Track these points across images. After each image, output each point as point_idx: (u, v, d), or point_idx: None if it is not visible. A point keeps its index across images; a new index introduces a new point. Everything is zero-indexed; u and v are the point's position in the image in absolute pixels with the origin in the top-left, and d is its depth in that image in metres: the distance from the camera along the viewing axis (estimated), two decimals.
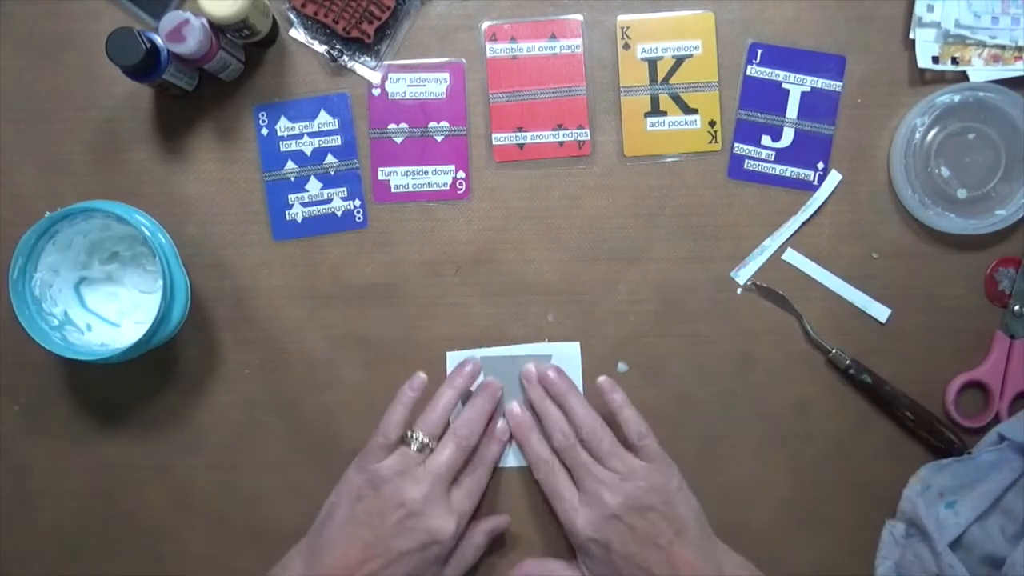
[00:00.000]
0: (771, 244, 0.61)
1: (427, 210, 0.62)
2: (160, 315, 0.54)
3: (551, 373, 0.59)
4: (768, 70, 0.60)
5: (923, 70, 0.60)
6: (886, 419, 0.61)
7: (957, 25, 0.59)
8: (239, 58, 0.60)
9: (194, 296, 0.59)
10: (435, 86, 0.61)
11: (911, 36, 0.59)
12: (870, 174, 0.61)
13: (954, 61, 0.59)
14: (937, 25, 0.59)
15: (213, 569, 0.61)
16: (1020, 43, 0.59)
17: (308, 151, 0.61)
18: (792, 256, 0.61)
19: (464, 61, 0.61)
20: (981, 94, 0.59)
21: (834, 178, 0.60)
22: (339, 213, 0.61)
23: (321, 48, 0.60)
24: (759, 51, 0.60)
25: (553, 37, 0.60)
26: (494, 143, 0.61)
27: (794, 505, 0.61)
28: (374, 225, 0.61)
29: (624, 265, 0.61)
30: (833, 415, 0.61)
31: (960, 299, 0.61)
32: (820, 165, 0.61)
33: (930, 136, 0.59)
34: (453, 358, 0.61)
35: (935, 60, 0.59)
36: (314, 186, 0.61)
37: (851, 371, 0.60)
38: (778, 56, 0.60)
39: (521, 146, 0.61)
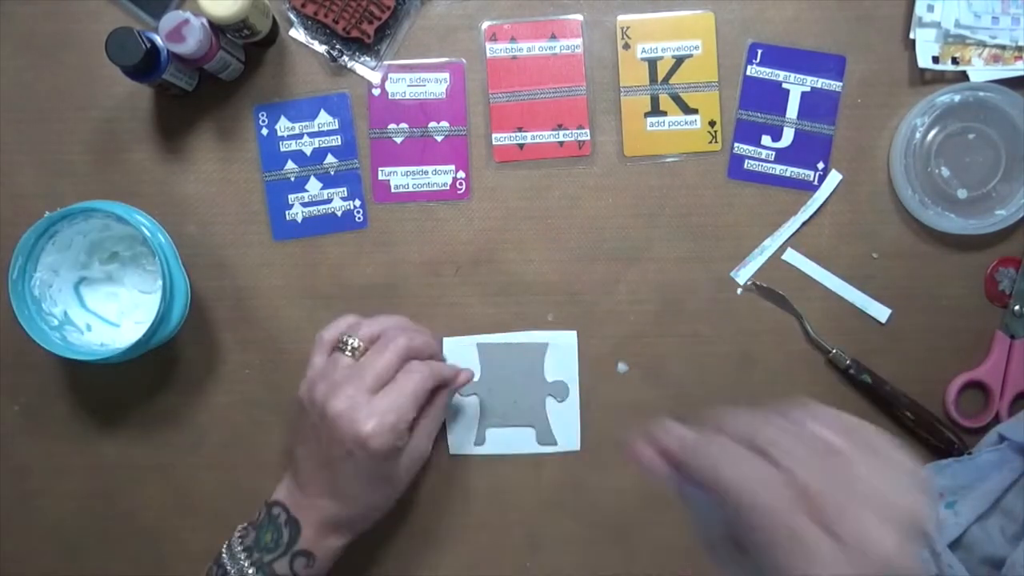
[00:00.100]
0: (771, 244, 0.61)
1: (427, 210, 0.62)
2: (160, 315, 0.54)
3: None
4: (768, 70, 0.60)
5: (923, 70, 0.60)
6: (886, 419, 0.61)
7: (957, 25, 0.59)
8: (239, 58, 0.60)
9: (194, 296, 0.59)
10: (435, 86, 0.61)
11: (911, 36, 0.59)
12: (870, 174, 0.61)
13: (954, 61, 0.59)
14: (937, 25, 0.59)
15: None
16: (1020, 43, 0.59)
17: (308, 151, 0.61)
18: (792, 256, 0.61)
19: (464, 61, 0.61)
20: (981, 94, 0.58)
21: (834, 178, 0.60)
22: (339, 213, 0.61)
23: (321, 48, 0.60)
24: (759, 51, 0.60)
25: (553, 37, 0.60)
26: (494, 143, 0.61)
27: None
28: (374, 225, 0.61)
29: (624, 265, 0.61)
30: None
31: (960, 299, 0.61)
32: (820, 165, 0.61)
33: (930, 136, 0.59)
34: (450, 343, 0.61)
35: (935, 60, 0.59)
36: (314, 186, 0.61)
37: (851, 371, 0.60)
38: (778, 56, 0.60)
39: (521, 146, 0.61)
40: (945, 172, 0.59)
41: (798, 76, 0.60)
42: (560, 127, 0.61)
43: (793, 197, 0.61)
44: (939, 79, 0.60)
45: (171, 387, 0.62)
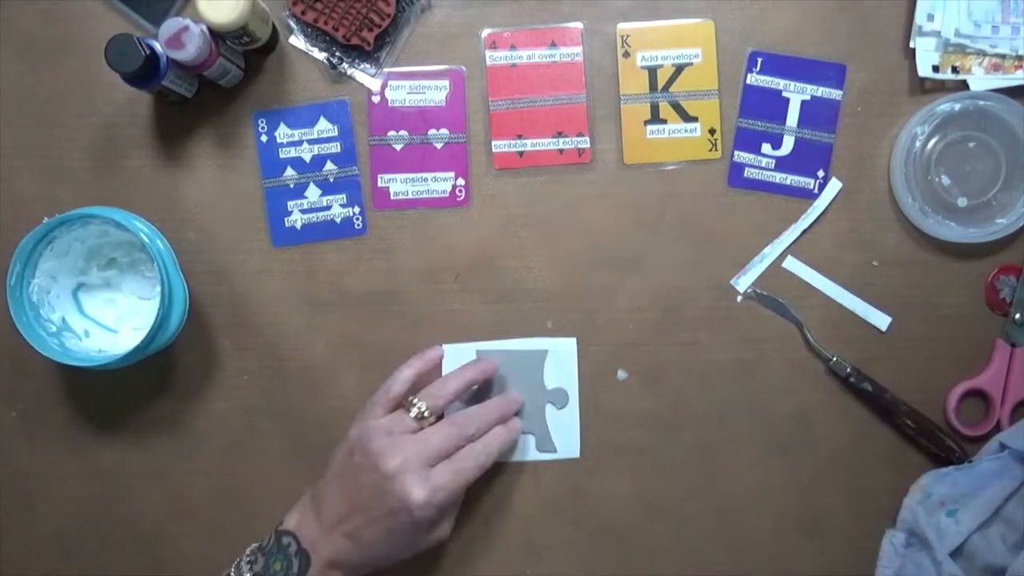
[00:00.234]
0: (771, 252, 0.61)
1: (426, 217, 0.61)
2: (158, 321, 0.54)
3: None
4: (768, 78, 0.60)
5: (923, 79, 0.60)
6: (887, 427, 0.61)
7: (957, 34, 0.59)
8: (239, 65, 0.60)
9: (193, 302, 0.59)
10: (435, 93, 0.61)
11: (911, 45, 0.59)
12: (870, 182, 0.61)
13: (954, 70, 0.59)
14: (937, 34, 0.59)
15: (211, 571, 0.61)
16: (1020, 52, 0.58)
17: (307, 158, 0.61)
18: (792, 264, 0.61)
19: (464, 68, 0.61)
20: (981, 103, 0.58)
21: (834, 186, 0.60)
22: (338, 220, 0.61)
23: (321, 55, 0.60)
24: (759, 59, 0.60)
25: (553, 45, 0.60)
26: (494, 150, 0.61)
27: (794, 514, 0.61)
28: (373, 232, 0.61)
29: (624, 273, 0.61)
30: (834, 423, 0.61)
31: (960, 307, 0.61)
32: (820, 173, 0.61)
33: (930, 144, 0.59)
34: (450, 350, 0.61)
35: (935, 69, 0.59)
36: (313, 193, 0.61)
37: (851, 379, 0.60)
38: (778, 64, 0.60)
39: (521, 154, 0.61)
40: (945, 180, 0.59)
41: (798, 84, 0.60)
42: (560, 135, 0.61)
43: (793, 205, 0.61)
44: (939, 88, 0.60)
45: (169, 393, 0.62)
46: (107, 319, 0.60)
